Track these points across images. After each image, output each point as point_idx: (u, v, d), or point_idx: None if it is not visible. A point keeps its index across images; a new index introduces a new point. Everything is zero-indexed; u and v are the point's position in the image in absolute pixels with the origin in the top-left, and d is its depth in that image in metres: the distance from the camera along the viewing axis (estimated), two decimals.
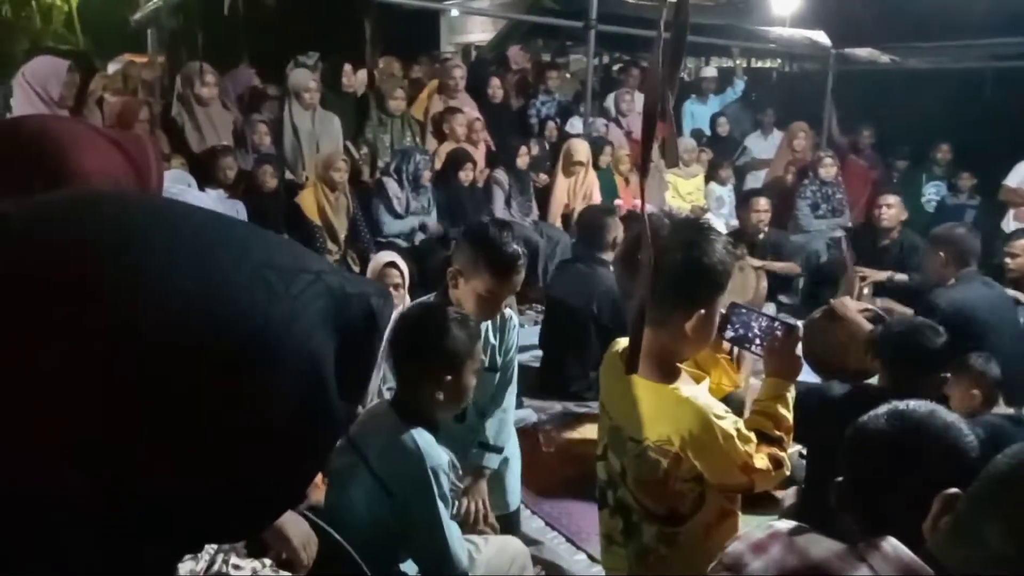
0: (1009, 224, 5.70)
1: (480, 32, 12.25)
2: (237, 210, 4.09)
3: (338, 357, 0.44)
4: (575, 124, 6.43)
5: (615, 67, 8.58)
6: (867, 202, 6.60)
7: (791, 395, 1.67)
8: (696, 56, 9.70)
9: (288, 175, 4.94)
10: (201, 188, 4.27)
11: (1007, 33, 5.68)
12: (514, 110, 6.65)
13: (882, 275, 4.80)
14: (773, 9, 8.33)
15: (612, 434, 1.66)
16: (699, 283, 1.48)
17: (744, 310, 1.72)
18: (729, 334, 1.73)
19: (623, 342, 1.64)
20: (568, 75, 8.01)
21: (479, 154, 5.69)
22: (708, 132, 7.12)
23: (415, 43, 8.44)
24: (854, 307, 4.17)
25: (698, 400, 1.50)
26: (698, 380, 1.60)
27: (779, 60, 10.34)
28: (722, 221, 6.26)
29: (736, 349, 1.77)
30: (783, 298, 5.76)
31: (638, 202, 5.98)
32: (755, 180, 6.77)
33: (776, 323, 1.66)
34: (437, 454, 1.74)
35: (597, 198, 5.71)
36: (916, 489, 1.01)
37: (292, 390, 0.42)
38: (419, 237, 5.02)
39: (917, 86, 7.66)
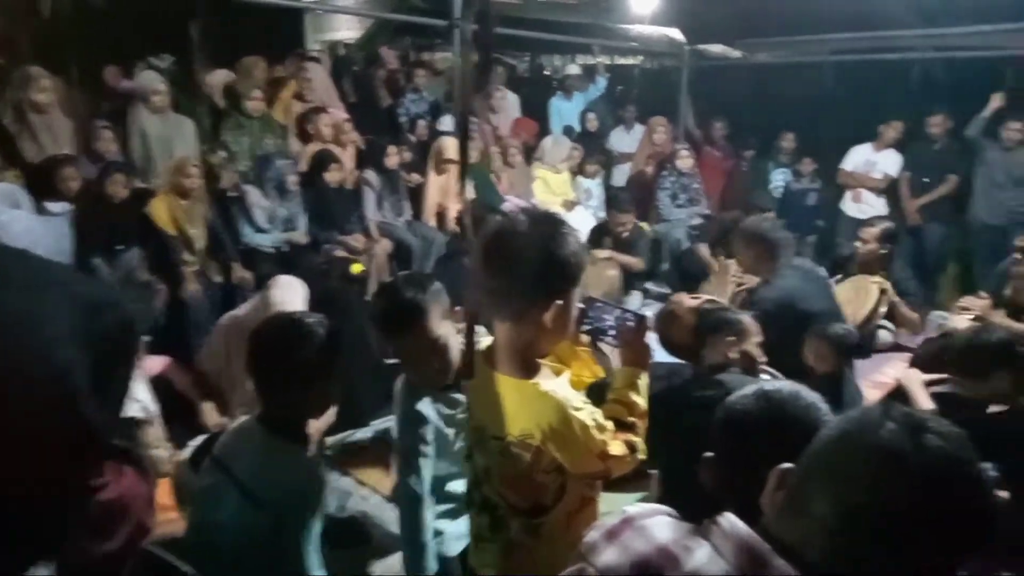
0: (847, 205, 6.24)
1: (347, 30, 11.96)
2: (62, 230, 3.83)
3: (95, 365, 0.43)
4: (446, 122, 6.44)
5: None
6: (723, 191, 7.05)
7: (643, 382, 1.75)
8: (561, 54, 9.97)
9: (141, 183, 4.65)
10: (40, 201, 3.98)
11: (845, 29, 6.18)
12: (383, 109, 6.58)
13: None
14: (633, 7, 8.66)
15: (476, 434, 1.68)
16: (554, 276, 1.51)
17: (600, 303, 1.78)
18: (586, 327, 1.79)
19: (485, 341, 1.68)
20: (438, 73, 7.99)
21: (347, 155, 5.59)
22: (578, 128, 7.31)
23: (279, 42, 8.17)
24: (690, 303, 4.37)
25: (557, 394, 1.54)
26: (558, 373, 1.63)
27: (640, 57, 10.78)
28: (591, 214, 6.48)
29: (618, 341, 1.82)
30: (651, 286, 6.04)
31: (512, 198, 6.13)
32: (621, 173, 7.06)
33: (627, 314, 1.73)
34: (308, 467, 1.72)
35: (469, 196, 5.75)
36: (763, 465, 1.02)
37: (39, 400, 0.41)
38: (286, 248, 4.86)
39: (764, 80, 8.22)
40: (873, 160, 6.10)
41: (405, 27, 9.14)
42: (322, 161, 5.09)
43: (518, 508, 1.63)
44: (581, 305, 1.79)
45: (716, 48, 7.59)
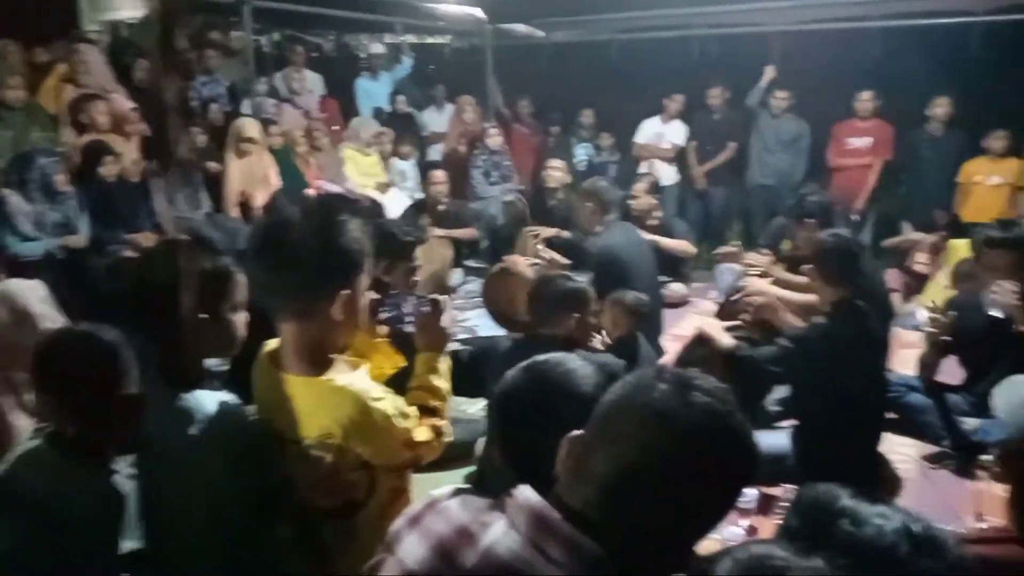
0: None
1: (130, 9, 10.97)
2: None
3: None
4: (244, 106, 6.10)
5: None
6: (533, 167, 7.27)
7: (444, 366, 1.76)
8: (369, 33, 9.74)
9: None
10: None
11: (629, 8, 6.53)
12: (171, 93, 6.10)
13: (550, 231, 5.25)
14: None
15: (271, 441, 1.58)
16: (335, 266, 1.46)
17: (395, 292, 1.78)
18: (384, 316, 1.78)
19: (272, 343, 1.60)
20: (234, 53, 7.53)
21: (131, 146, 5.14)
22: (387, 108, 7.21)
23: (49, 22, 7.31)
24: (523, 262, 4.59)
25: (354, 386, 1.49)
26: (356, 367, 1.58)
27: (449, 36, 10.80)
28: (407, 195, 6.44)
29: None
30: (471, 262, 6.13)
31: (323, 183, 5.95)
32: (435, 153, 7.07)
33: (423, 301, 1.74)
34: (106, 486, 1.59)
35: (275, 182, 5.52)
36: (552, 435, 1.03)
37: None
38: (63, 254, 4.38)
39: (564, 58, 8.53)
40: (662, 132, 6.56)
41: (194, 4, 8.51)
42: (94, 153, 4.63)
43: (328, 511, 1.56)
44: (375, 295, 1.77)
45: (520, 28, 7.76)
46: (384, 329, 1.84)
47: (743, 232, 6.85)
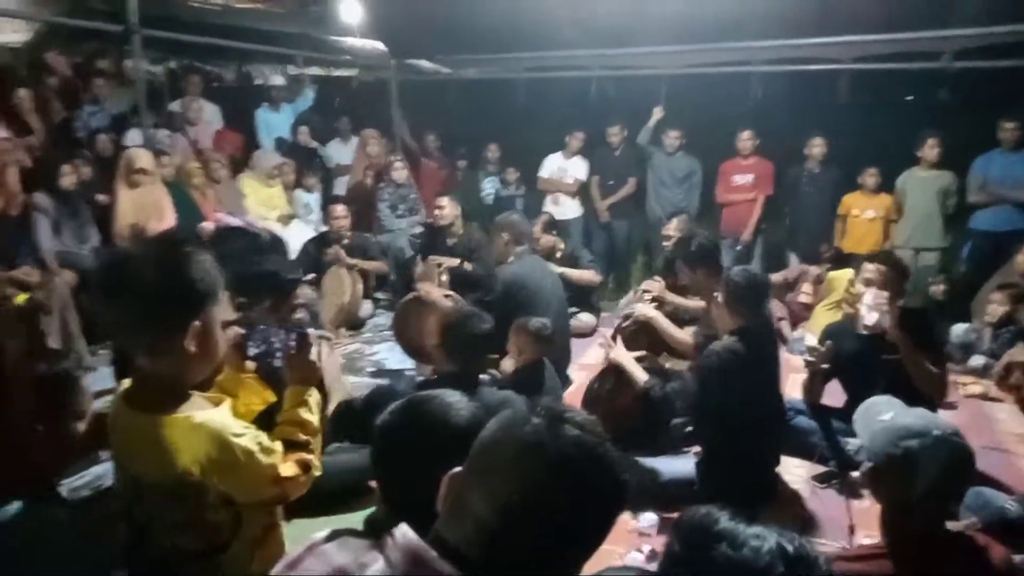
0: (548, 207, 6.80)
1: (11, 32, 10.37)
2: None
3: None
4: (135, 136, 5.86)
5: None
6: None
7: (314, 399, 1.75)
8: (272, 64, 9.59)
9: None
10: None
11: (533, 49, 6.71)
12: (56, 124, 5.80)
13: (454, 261, 5.32)
14: (342, 19, 8.60)
15: (131, 485, 1.53)
16: (180, 299, 1.44)
17: (263, 327, 1.75)
18: (253, 351, 1.75)
19: (126, 382, 1.54)
20: (128, 82, 7.24)
21: (11, 177, 4.83)
22: (290, 140, 7.09)
23: None
24: (437, 291, 4.60)
25: (213, 423, 1.47)
26: (218, 403, 1.56)
27: (356, 69, 10.77)
28: (311, 227, 6.34)
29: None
30: (380, 295, 6.07)
31: (222, 216, 5.76)
32: (341, 185, 7.00)
33: (291, 334, 1.72)
34: None
35: (170, 215, 5.30)
36: (430, 473, 1.03)
37: None
38: None
39: (471, 94, 8.67)
40: (565, 167, 6.75)
41: (85, 31, 8.14)
42: None
43: (192, 552, 1.51)
44: (242, 330, 1.74)
45: (425, 64, 7.84)
46: (252, 365, 1.80)
47: (646, 263, 7.11)
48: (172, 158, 5.67)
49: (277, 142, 7.04)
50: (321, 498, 2.64)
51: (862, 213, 5.88)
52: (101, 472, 2.69)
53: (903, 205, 5.79)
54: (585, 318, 5.50)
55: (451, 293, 4.60)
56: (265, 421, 1.76)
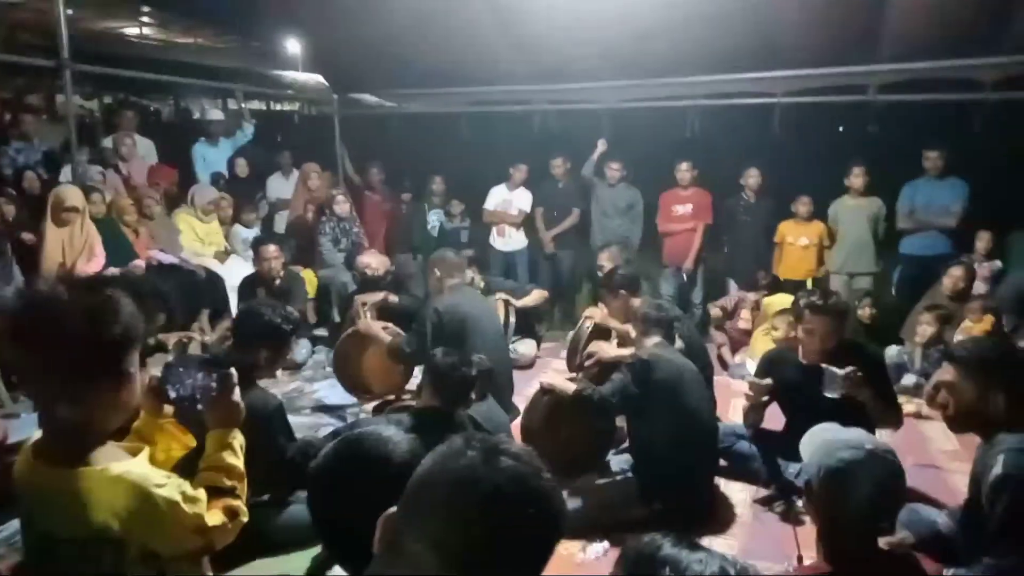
0: (494, 239, 6.83)
1: None
2: None
3: None
4: (66, 173, 5.68)
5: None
6: (385, 233, 7.26)
7: (239, 442, 1.69)
8: (211, 98, 9.50)
9: None
10: None
11: (476, 84, 6.77)
12: None
13: (378, 296, 5.24)
14: (282, 54, 8.57)
15: (43, 542, 1.42)
16: (109, 346, 1.37)
17: (180, 368, 1.67)
18: (172, 395, 1.67)
19: (36, 435, 1.45)
20: (60, 119, 7.05)
21: None
22: (226, 175, 6.98)
23: None
24: (377, 326, 4.54)
25: (132, 474, 1.39)
26: (136, 452, 1.48)
27: (298, 103, 10.74)
28: (250, 263, 6.19)
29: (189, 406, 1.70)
30: (318, 332, 5.95)
31: (156, 253, 5.60)
32: (282, 220, 6.89)
33: (212, 373, 1.65)
34: None
35: (99, 253, 5.12)
36: (368, 513, 1.00)
37: None
38: None
39: (414, 128, 8.69)
40: (509, 199, 6.79)
41: (15, 66, 7.92)
42: None
43: None
44: (156, 373, 1.66)
45: (368, 98, 7.83)
46: (170, 409, 1.72)
47: (592, 292, 7.16)
48: (104, 195, 5.50)
49: (213, 176, 6.92)
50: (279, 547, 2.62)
51: (796, 240, 6.05)
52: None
53: (836, 232, 5.98)
54: (524, 349, 5.47)
55: (389, 325, 4.55)
56: (186, 467, 1.68)
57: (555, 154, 6.71)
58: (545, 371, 5.33)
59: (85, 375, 1.36)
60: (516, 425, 3.95)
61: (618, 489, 3.15)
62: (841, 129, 8.26)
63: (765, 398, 3.38)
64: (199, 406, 1.66)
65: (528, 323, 5.49)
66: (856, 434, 1.76)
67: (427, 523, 0.88)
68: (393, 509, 0.94)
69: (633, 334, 3.39)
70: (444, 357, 3.03)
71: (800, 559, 2.26)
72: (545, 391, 3.50)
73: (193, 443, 1.73)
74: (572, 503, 3.07)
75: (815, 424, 3.13)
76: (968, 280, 5.16)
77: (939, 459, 3.86)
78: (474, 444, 0.93)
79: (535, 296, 5.45)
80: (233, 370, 1.68)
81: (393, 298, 5.27)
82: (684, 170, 6.31)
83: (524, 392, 4.77)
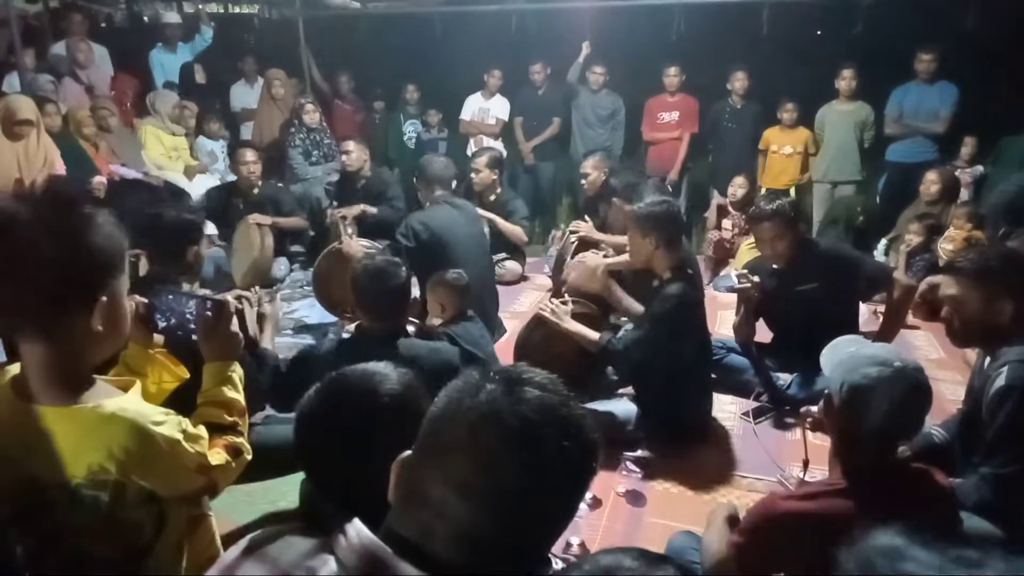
0: (472, 150, 6.60)
1: None
2: None
3: None
4: (11, 82, 5.30)
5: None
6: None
7: (238, 374, 1.59)
8: (164, 1, 8.86)
9: None
10: None
11: None
12: None
13: (355, 209, 5.10)
14: None
15: (26, 488, 1.31)
16: (85, 270, 1.23)
17: (170, 295, 1.55)
18: (162, 324, 1.56)
19: (13, 369, 1.32)
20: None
21: None
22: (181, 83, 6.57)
23: None
24: (358, 245, 4.38)
25: (128, 411, 1.29)
26: (127, 387, 1.37)
27: (257, 6, 10.09)
28: (217, 177, 5.94)
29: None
30: (296, 248, 5.77)
31: (118, 168, 5.31)
32: (247, 131, 6.56)
33: (207, 302, 1.54)
34: None
35: (61, 168, 4.84)
36: (366, 457, 0.93)
37: None
38: None
39: (384, 31, 8.25)
40: (486, 107, 6.52)
41: None
42: None
43: (111, 560, 1.34)
44: (143, 299, 1.54)
45: None
46: (160, 338, 1.61)
47: (572, 205, 7.03)
48: (58, 106, 5.15)
49: (166, 85, 6.52)
50: (256, 469, 2.52)
51: (780, 148, 5.93)
52: None
53: (821, 139, 5.86)
54: (511, 265, 5.40)
55: (374, 244, 4.39)
56: (181, 401, 1.58)
57: (534, 59, 6.41)
58: (530, 290, 5.28)
59: (67, 306, 1.23)
60: (500, 344, 3.91)
61: (619, 409, 3.13)
62: (828, 31, 8.00)
63: (755, 294, 3.36)
64: (193, 336, 1.56)
65: (510, 243, 5.36)
66: (883, 350, 1.71)
67: (448, 468, 0.81)
68: (408, 453, 0.87)
69: (639, 251, 3.07)
70: (371, 262, 2.68)
71: (807, 463, 2.27)
72: (539, 322, 3.29)
73: (187, 374, 1.63)
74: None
75: (799, 334, 3.16)
76: (945, 185, 5.14)
77: (926, 368, 3.85)
78: (493, 376, 0.84)
79: (516, 232, 5.23)
80: (230, 297, 1.57)
81: (371, 210, 5.10)
82: (672, 75, 6.08)
83: (509, 308, 4.75)
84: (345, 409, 1.22)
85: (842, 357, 1.70)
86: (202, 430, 1.42)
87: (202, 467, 1.38)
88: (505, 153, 6.56)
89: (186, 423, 1.38)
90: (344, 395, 1.25)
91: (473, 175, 5.30)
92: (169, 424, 1.33)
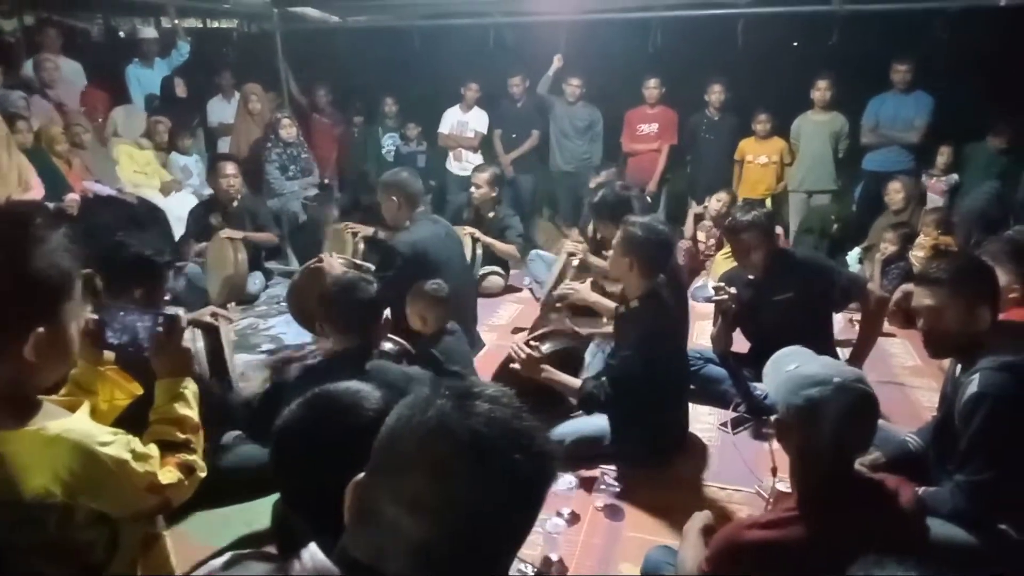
0: (451, 164, 6.60)
1: None
2: None
3: None
4: None
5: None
6: (336, 159, 6.96)
7: (191, 390, 1.56)
8: (142, 17, 8.82)
9: None
10: None
11: None
12: None
13: (369, 229, 4.90)
14: None
15: None
16: (26, 295, 1.19)
17: (122, 311, 1.52)
18: (112, 340, 1.52)
19: None
20: None
21: None
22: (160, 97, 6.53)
23: None
24: (337, 263, 4.31)
25: (73, 433, 1.26)
26: (74, 407, 1.35)
27: (235, 20, 10.06)
28: (191, 191, 5.88)
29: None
30: (273, 265, 5.73)
31: (91, 185, 5.24)
32: (225, 146, 6.51)
33: (158, 317, 1.50)
34: None
35: (36, 184, 4.76)
36: (342, 478, 0.90)
37: None
38: None
39: (362, 44, 8.23)
40: (464, 120, 6.52)
41: None
42: None
43: None
44: (94, 316, 1.51)
45: (312, 12, 7.34)
46: (110, 354, 1.58)
47: (552, 217, 7.03)
48: (29, 123, 5.08)
49: (148, 98, 6.48)
50: (226, 492, 2.47)
51: (756, 159, 5.97)
52: None
53: (797, 149, 5.90)
54: (494, 279, 5.38)
55: (363, 264, 4.30)
56: (134, 419, 1.55)
57: (513, 72, 6.43)
58: (510, 302, 5.25)
59: (6, 325, 1.19)
60: (477, 359, 3.86)
61: (595, 423, 3.10)
62: (804, 43, 8.08)
63: (733, 305, 3.35)
64: (144, 353, 1.53)
65: (497, 257, 5.32)
66: (822, 366, 1.67)
67: (399, 485, 0.79)
68: (360, 475, 0.85)
69: (618, 270, 3.01)
70: (343, 275, 2.61)
71: (775, 471, 2.25)
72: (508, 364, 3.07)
73: (139, 390, 1.60)
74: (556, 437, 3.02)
75: (776, 344, 3.15)
76: (909, 194, 5.20)
77: (902, 375, 3.92)
78: (444, 391, 0.83)
79: (509, 251, 5.16)
80: (181, 312, 1.54)
81: (383, 233, 4.89)
82: (652, 87, 6.11)
83: (488, 321, 4.72)
84: (326, 424, 1.20)
85: (783, 378, 1.68)
86: (152, 449, 1.40)
87: (153, 486, 1.36)
88: None
89: (135, 442, 1.36)
90: (326, 410, 1.23)
91: (473, 190, 5.25)
92: (117, 444, 1.31)
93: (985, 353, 2.14)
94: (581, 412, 3.15)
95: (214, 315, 2.99)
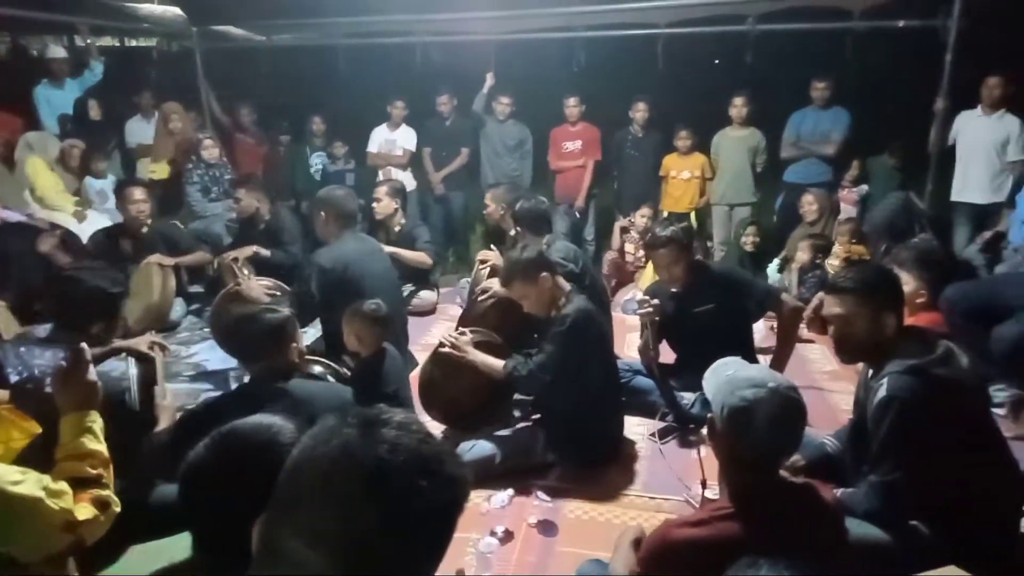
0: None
1: None
2: None
3: None
4: None
5: None
6: (262, 179, 6.79)
7: (98, 425, 1.49)
8: (53, 34, 8.47)
9: None
10: None
11: (358, 12, 6.28)
12: None
13: (247, 251, 4.89)
14: None
15: None
16: None
17: (22, 347, 1.45)
18: (14, 378, 1.45)
19: None
20: None
21: None
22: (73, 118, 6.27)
23: None
24: (257, 287, 4.21)
25: None
26: None
27: (155, 39, 9.79)
28: (107, 217, 5.65)
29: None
30: (197, 288, 5.54)
31: (5, 212, 4.97)
32: (144, 167, 6.29)
33: (58, 351, 1.44)
34: None
35: None
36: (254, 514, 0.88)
37: None
38: None
39: (286, 63, 8.10)
40: (392, 139, 6.49)
41: None
42: None
43: None
44: None
45: (234, 30, 7.19)
46: (5, 394, 1.51)
47: (484, 234, 7.04)
48: None
49: (60, 120, 6.21)
50: (159, 526, 2.35)
51: (679, 174, 6.14)
52: None
53: (717, 164, 6.10)
54: (425, 295, 5.35)
55: (280, 284, 4.25)
56: (33, 458, 1.47)
57: (441, 90, 6.44)
58: (442, 321, 5.23)
59: None
60: (412, 375, 3.83)
61: (526, 437, 3.11)
62: (724, 61, 8.39)
63: (657, 318, 3.45)
64: (46, 388, 1.45)
65: (422, 274, 5.30)
66: (758, 371, 1.75)
67: (302, 516, 0.77)
68: (265, 514, 0.83)
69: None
70: (238, 309, 2.60)
71: (704, 483, 2.30)
72: (441, 354, 3.27)
73: (37, 429, 1.52)
74: (489, 451, 3.02)
75: (699, 355, 3.24)
76: (821, 206, 5.47)
77: (819, 380, 4.07)
78: (349, 420, 0.82)
79: (419, 258, 5.16)
80: (85, 345, 1.47)
81: (264, 252, 4.91)
82: (572, 105, 6.23)
83: (421, 340, 4.68)
84: (238, 467, 1.15)
85: (721, 380, 1.74)
86: (65, 485, 1.34)
87: (69, 524, 1.31)
88: (415, 183, 6.56)
89: (46, 480, 1.31)
90: (238, 451, 1.18)
91: (375, 204, 5.24)
92: (28, 483, 1.26)
93: (893, 357, 2.24)
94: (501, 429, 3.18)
95: (151, 345, 2.83)
